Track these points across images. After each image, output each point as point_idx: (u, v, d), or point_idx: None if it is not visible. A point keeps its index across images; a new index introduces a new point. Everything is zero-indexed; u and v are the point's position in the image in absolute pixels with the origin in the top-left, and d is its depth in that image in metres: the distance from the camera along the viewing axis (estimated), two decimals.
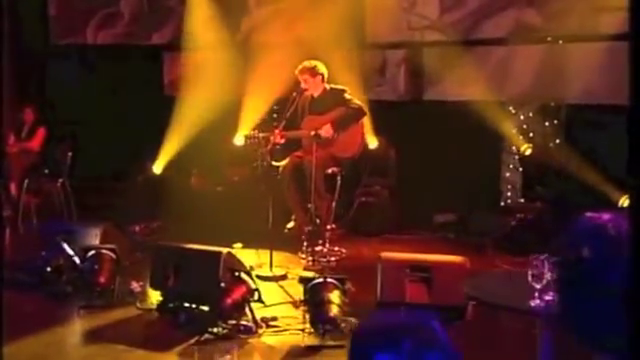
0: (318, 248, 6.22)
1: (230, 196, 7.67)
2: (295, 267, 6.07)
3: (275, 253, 5.90)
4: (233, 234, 6.32)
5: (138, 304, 5.14)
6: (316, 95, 6.44)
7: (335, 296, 4.44)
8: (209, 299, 4.75)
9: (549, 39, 6.94)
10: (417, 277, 4.70)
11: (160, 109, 8.63)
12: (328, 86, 6.45)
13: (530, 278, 2.79)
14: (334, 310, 4.37)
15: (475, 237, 6.66)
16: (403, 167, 7.45)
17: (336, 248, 6.35)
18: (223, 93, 7.98)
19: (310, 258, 6.15)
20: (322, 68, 6.46)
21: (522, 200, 7.19)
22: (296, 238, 6.48)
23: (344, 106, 6.32)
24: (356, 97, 6.41)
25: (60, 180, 7.76)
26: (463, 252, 5.78)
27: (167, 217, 7.43)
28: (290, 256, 6.34)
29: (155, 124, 8.29)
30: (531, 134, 6.99)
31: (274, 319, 4.77)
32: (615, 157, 6.41)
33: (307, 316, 4.50)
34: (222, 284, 4.59)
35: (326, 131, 6.22)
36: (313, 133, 6.12)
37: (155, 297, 5.26)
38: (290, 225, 6.46)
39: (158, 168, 7.96)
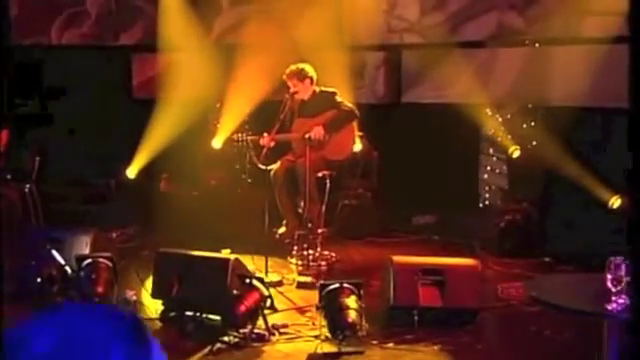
0: (310, 252, 6.13)
1: (208, 200, 7.50)
2: (288, 272, 5.97)
3: (261, 258, 5.82)
4: (215, 239, 6.18)
5: (138, 313, 5.00)
6: (306, 98, 6.36)
7: (352, 301, 4.37)
8: (219, 307, 4.62)
9: (527, 42, 7.04)
10: (429, 280, 4.69)
11: (129, 112, 8.41)
12: (318, 89, 6.37)
13: (609, 282, 2.81)
14: (352, 315, 4.31)
15: (461, 239, 6.68)
16: (383, 169, 7.44)
17: (326, 252, 6.27)
18: (197, 96, 7.83)
19: (300, 263, 6.07)
20: (310, 71, 6.38)
21: (501, 202, 7.26)
22: (284, 243, 6.39)
23: (335, 109, 6.26)
24: (346, 99, 6.36)
25: (27, 186, 7.44)
26: (451, 254, 5.82)
27: (144, 223, 7.23)
28: (280, 261, 6.23)
29: (124, 127, 8.07)
30: (509, 136, 7.07)
31: (285, 326, 4.69)
32: (604, 159, 6.59)
33: (324, 322, 4.43)
34: (235, 291, 4.48)
35: (317, 132, 6.14)
36: (307, 136, 6.04)
37: (153, 306, 5.13)
38: (281, 231, 6.35)
39: (132, 173, 7.72)
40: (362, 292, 4.46)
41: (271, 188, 6.26)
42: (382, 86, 7.75)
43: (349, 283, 4.45)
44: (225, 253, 5.96)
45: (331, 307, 4.37)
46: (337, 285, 4.43)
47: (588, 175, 6.18)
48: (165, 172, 8.33)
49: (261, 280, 4.62)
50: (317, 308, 4.44)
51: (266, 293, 4.56)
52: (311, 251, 6.14)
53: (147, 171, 7.80)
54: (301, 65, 6.40)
